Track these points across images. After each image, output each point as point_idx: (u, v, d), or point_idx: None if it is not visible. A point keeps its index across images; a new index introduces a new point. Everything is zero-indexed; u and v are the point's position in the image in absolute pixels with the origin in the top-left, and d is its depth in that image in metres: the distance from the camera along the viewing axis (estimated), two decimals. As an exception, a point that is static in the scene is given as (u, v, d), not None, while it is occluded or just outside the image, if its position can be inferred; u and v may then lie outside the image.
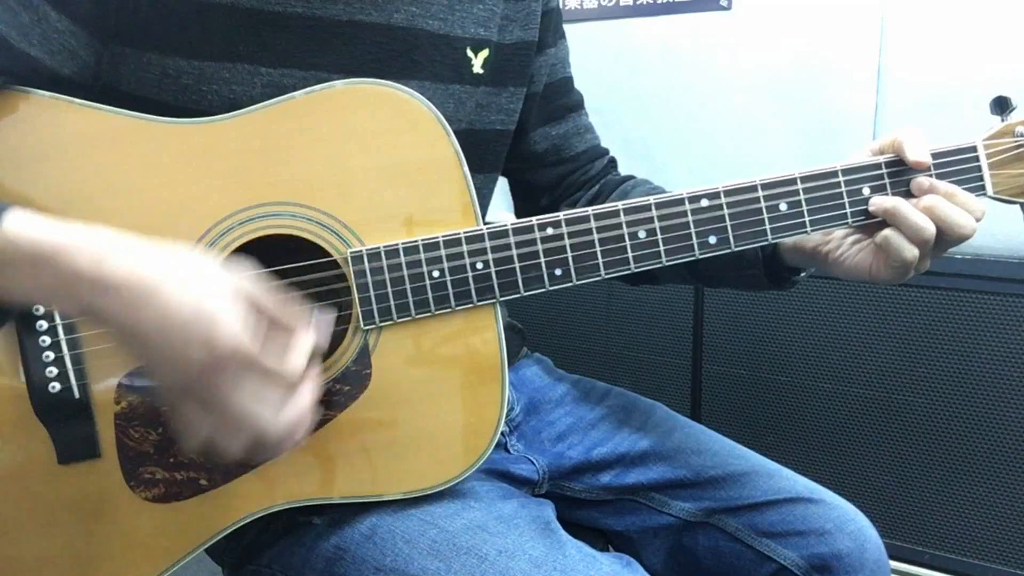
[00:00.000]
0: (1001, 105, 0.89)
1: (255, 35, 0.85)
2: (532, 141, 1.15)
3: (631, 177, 1.19)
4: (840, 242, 0.93)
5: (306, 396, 0.73)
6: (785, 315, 1.86)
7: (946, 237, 0.85)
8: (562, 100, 1.17)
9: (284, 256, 0.85)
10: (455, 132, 0.86)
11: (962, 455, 1.72)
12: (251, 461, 0.75)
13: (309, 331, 0.73)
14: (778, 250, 0.98)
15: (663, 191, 1.12)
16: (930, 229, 0.84)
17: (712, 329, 1.96)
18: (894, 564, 1.78)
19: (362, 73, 0.88)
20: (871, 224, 0.89)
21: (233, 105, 0.84)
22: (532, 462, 1.07)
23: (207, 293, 0.68)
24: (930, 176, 0.87)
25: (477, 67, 1.00)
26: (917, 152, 0.86)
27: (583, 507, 1.11)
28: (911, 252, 0.85)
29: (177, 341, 0.66)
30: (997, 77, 1.60)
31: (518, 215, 1.24)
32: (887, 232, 0.86)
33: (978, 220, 0.86)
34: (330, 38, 0.89)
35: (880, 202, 0.87)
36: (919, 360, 1.73)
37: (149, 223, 0.80)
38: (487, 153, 1.05)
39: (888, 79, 1.71)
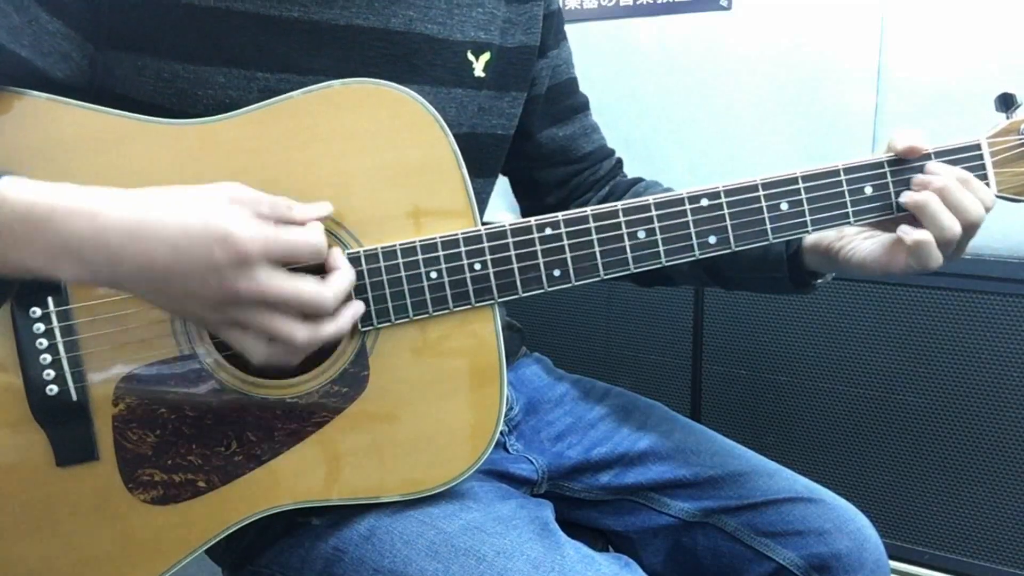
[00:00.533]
0: (1006, 102, 0.88)
1: (251, 39, 0.85)
2: (539, 142, 1.15)
3: (640, 179, 1.19)
4: (852, 238, 0.93)
5: (341, 260, 0.78)
6: (785, 315, 1.86)
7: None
8: (568, 101, 1.17)
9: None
10: (456, 136, 0.85)
11: (962, 455, 1.72)
12: (320, 341, 0.76)
13: (307, 215, 0.76)
14: (799, 252, 0.98)
15: (674, 191, 1.12)
16: (956, 229, 0.84)
17: (712, 329, 1.96)
18: (894, 564, 1.78)
19: (359, 76, 0.88)
20: (880, 221, 0.89)
21: (229, 110, 0.84)
22: (531, 462, 1.07)
23: (206, 207, 0.69)
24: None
25: (478, 70, 1.00)
26: (905, 140, 0.85)
27: (582, 507, 1.11)
28: (937, 260, 0.85)
29: (196, 257, 0.67)
30: (997, 76, 1.60)
31: (523, 215, 1.23)
32: (921, 239, 0.85)
33: (988, 209, 0.86)
34: (328, 42, 0.88)
35: (912, 196, 0.86)
36: (919, 360, 1.73)
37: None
38: (487, 157, 1.05)
39: (888, 78, 1.71)
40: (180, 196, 0.70)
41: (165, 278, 0.68)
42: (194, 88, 0.84)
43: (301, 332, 0.73)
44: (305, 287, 0.72)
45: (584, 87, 1.20)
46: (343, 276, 0.77)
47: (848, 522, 1.02)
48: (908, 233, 0.85)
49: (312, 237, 0.73)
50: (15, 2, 0.77)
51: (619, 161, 1.23)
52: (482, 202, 1.06)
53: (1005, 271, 1.62)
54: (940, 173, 0.86)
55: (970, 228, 0.85)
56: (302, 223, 0.75)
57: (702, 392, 1.99)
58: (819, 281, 1.01)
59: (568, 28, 1.18)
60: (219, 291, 0.69)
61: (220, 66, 0.84)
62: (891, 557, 1.61)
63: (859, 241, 0.92)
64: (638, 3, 1.96)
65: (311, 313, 0.74)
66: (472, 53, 0.99)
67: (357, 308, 0.80)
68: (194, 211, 0.68)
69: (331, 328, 0.76)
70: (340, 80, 0.83)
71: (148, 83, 0.84)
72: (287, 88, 0.85)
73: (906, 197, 0.86)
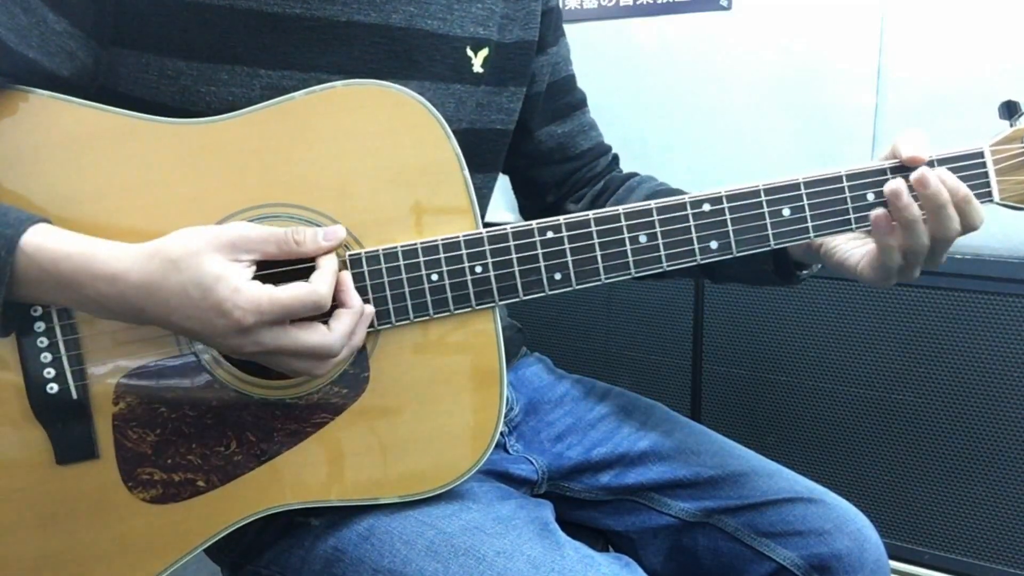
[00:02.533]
0: (1010, 110, 0.88)
1: (254, 36, 0.85)
2: (538, 140, 1.15)
3: (635, 174, 1.19)
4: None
5: (350, 298, 0.80)
6: (785, 315, 1.86)
7: (936, 239, 0.85)
8: (566, 98, 1.17)
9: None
10: (456, 132, 0.85)
11: (962, 455, 1.72)
12: (338, 367, 0.83)
13: (319, 245, 0.79)
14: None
15: (668, 187, 1.12)
16: (923, 242, 0.84)
17: (712, 329, 1.96)
18: (894, 564, 1.78)
19: (361, 74, 0.88)
20: None
21: (232, 107, 0.84)
22: (531, 462, 1.07)
23: (204, 273, 0.73)
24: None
25: (477, 66, 1.00)
26: (909, 148, 0.85)
27: (582, 507, 1.11)
28: (896, 260, 0.85)
29: (204, 322, 0.74)
30: (997, 76, 1.60)
31: (523, 213, 1.24)
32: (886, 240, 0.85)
33: (974, 229, 0.85)
34: (329, 39, 0.88)
35: (892, 185, 0.85)
36: (919, 360, 1.73)
37: (147, 223, 0.80)
38: (487, 153, 1.05)
39: (888, 78, 1.71)
40: (182, 258, 0.74)
41: (183, 328, 0.76)
42: (197, 85, 0.84)
43: (318, 369, 0.79)
44: (309, 340, 0.76)
45: (584, 87, 1.20)
46: (348, 317, 0.79)
47: (848, 522, 1.02)
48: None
49: (314, 293, 0.76)
50: (22, 2, 0.78)
51: (615, 157, 1.23)
52: (484, 198, 1.06)
53: (1005, 271, 1.62)
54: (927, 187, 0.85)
55: (940, 243, 0.85)
56: (313, 257, 0.79)
57: (702, 392, 1.99)
58: (804, 273, 1.01)
59: (568, 28, 1.18)
60: (230, 346, 0.76)
61: (223, 63, 0.85)
62: (891, 557, 1.61)
63: (841, 240, 0.93)
64: (638, 3, 1.96)
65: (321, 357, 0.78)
66: (471, 49, 0.99)
67: (362, 336, 0.82)
68: (194, 280, 0.73)
69: (344, 355, 0.80)
70: (343, 81, 0.83)
71: (151, 80, 0.84)
72: (290, 85, 0.86)
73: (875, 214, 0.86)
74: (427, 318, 0.84)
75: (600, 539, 1.12)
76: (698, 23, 1.90)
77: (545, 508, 0.95)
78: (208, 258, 0.73)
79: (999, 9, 1.58)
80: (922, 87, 1.68)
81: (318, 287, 0.76)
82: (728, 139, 1.93)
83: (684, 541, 1.07)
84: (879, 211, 0.85)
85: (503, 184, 1.22)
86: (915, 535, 1.79)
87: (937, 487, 1.75)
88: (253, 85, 0.86)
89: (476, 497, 0.91)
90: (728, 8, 1.86)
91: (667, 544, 1.08)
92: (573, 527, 1.07)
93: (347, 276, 0.81)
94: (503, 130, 1.07)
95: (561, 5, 1.82)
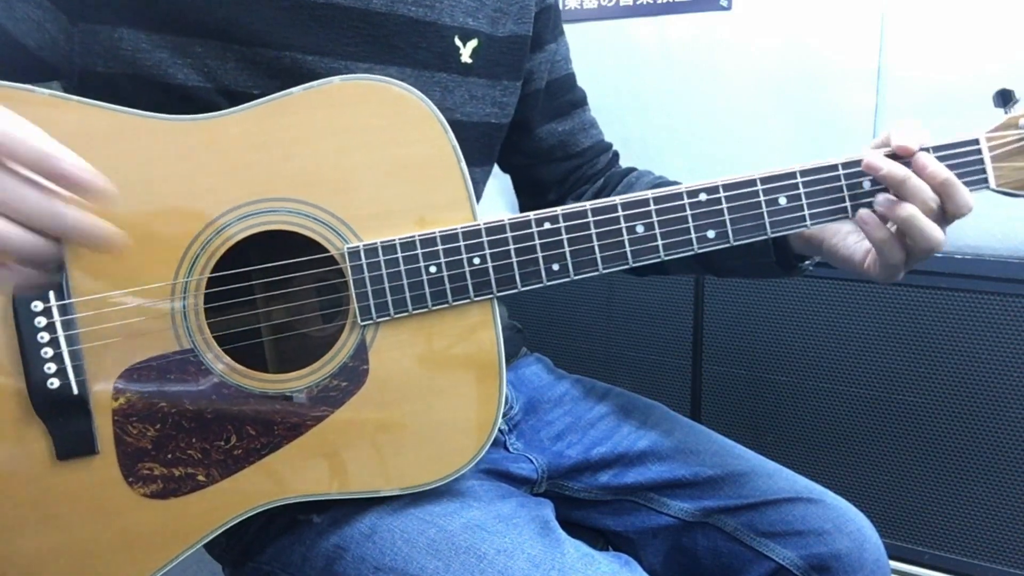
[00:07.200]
0: (1004, 98, 0.88)
1: (225, 13, 0.86)
2: (538, 138, 1.15)
3: (633, 169, 1.20)
4: (837, 229, 0.93)
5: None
6: (785, 315, 1.86)
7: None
8: (566, 96, 1.18)
9: (282, 252, 0.85)
10: (449, 122, 0.86)
11: (962, 455, 1.72)
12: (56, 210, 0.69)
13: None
14: (786, 236, 0.98)
15: (666, 180, 1.12)
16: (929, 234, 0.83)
17: (712, 329, 1.96)
18: (894, 564, 1.78)
19: (337, 56, 0.90)
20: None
21: (208, 77, 0.85)
22: (531, 461, 1.07)
23: None
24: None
25: (465, 56, 1.00)
26: (900, 138, 0.85)
27: (582, 507, 1.11)
28: (897, 256, 0.85)
29: None
30: (997, 75, 1.60)
31: (523, 211, 1.24)
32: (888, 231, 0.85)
33: (960, 215, 0.85)
34: (305, 19, 0.89)
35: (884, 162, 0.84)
36: (919, 360, 1.73)
37: (148, 218, 0.81)
38: (482, 146, 1.05)
39: (888, 77, 1.71)
40: None
41: None
42: (173, 57, 0.85)
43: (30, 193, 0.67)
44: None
45: (584, 86, 1.21)
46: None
47: (848, 522, 1.02)
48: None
49: (45, 142, 0.66)
50: None
51: (615, 154, 1.24)
52: (478, 192, 1.06)
53: (1005, 271, 1.62)
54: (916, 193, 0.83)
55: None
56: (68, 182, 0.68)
57: (702, 392, 1.99)
58: (806, 264, 1.01)
59: (568, 28, 1.19)
60: None
61: (196, 36, 0.86)
62: (891, 557, 1.61)
63: (842, 236, 0.93)
64: (638, 3, 1.96)
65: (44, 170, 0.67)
66: (459, 39, 0.99)
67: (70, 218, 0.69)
68: None
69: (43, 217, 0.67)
70: (340, 76, 0.84)
71: (127, 55, 0.85)
72: (262, 60, 0.87)
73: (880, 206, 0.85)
74: (425, 310, 0.84)
75: (600, 539, 1.12)
76: (698, 23, 1.90)
77: (546, 507, 0.95)
78: None
79: (999, 8, 1.59)
80: (922, 86, 1.68)
81: (55, 149, 0.66)
82: (728, 139, 1.93)
83: (683, 541, 1.07)
84: (864, 210, 0.85)
85: (503, 184, 1.22)
86: (915, 535, 1.79)
87: (937, 487, 1.75)
88: (227, 56, 0.87)
89: (477, 496, 0.91)
90: (728, 8, 1.86)
91: (666, 544, 1.08)
92: (573, 527, 1.07)
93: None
94: (497, 124, 1.07)
95: (561, 5, 1.83)
